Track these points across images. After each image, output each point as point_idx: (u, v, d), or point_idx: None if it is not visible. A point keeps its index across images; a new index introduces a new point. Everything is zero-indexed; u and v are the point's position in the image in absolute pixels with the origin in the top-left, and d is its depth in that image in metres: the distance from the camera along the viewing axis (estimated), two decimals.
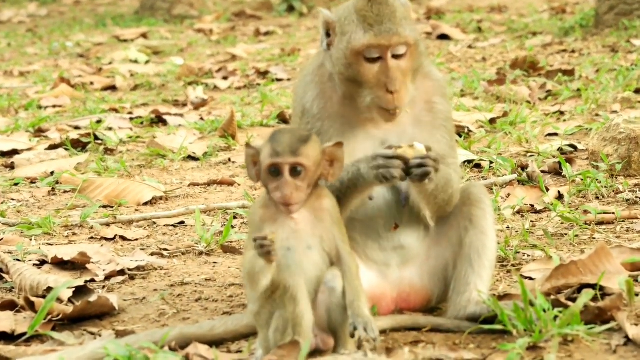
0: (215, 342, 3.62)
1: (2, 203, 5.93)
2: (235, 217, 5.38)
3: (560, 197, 5.41)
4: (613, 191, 5.46)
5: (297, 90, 3.79)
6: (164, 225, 5.38)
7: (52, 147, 7.24)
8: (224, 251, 4.86)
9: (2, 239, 5.09)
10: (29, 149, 7.23)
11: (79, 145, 7.31)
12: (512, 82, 8.98)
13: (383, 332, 3.55)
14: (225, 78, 10.63)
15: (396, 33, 3.55)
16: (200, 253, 4.85)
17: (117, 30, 15.88)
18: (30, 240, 5.12)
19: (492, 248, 3.73)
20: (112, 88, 10.49)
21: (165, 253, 4.86)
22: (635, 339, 3.39)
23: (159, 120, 8.34)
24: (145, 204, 5.82)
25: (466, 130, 7.10)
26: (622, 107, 7.72)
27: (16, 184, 6.34)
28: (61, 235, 5.23)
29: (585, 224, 4.91)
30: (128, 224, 5.42)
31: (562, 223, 5.00)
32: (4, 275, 4.48)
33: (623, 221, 4.96)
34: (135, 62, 12.22)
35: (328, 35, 3.67)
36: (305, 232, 3.35)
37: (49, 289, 4.13)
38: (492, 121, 7.41)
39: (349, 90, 3.63)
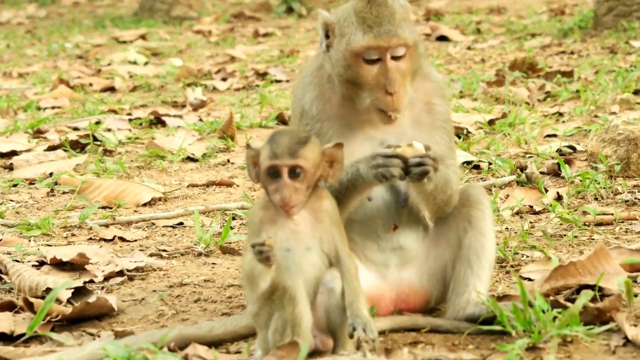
0: (214, 343, 3.62)
1: (1, 204, 5.92)
2: (234, 218, 5.38)
3: (559, 198, 5.41)
4: (612, 192, 5.46)
5: (296, 92, 3.78)
6: (163, 226, 5.38)
7: (51, 148, 7.23)
8: (223, 252, 4.85)
9: (1, 240, 5.09)
10: (28, 150, 7.23)
11: (77, 146, 7.30)
12: (511, 84, 8.98)
13: (382, 332, 3.55)
14: (224, 79, 10.63)
15: (395, 34, 3.55)
16: (199, 254, 4.85)
17: (116, 32, 15.87)
18: (29, 241, 5.12)
19: (491, 249, 3.73)
20: (111, 89, 10.48)
21: (164, 254, 4.86)
22: (634, 340, 3.39)
23: (157, 121, 8.33)
24: (144, 205, 5.81)
25: (465, 132, 7.10)
26: (621, 108, 7.72)
27: (15, 185, 6.34)
28: (60, 236, 5.23)
29: (584, 225, 4.92)
30: (127, 225, 5.42)
31: (561, 224, 5.00)
32: (3, 276, 4.48)
33: (622, 222, 4.96)
34: (134, 63, 12.21)
35: (327, 36, 3.67)
36: (304, 234, 3.35)
37: (48, 290, 4.13)
38: (491, 122, 7.41)
39: (348, 92, 3.62)
